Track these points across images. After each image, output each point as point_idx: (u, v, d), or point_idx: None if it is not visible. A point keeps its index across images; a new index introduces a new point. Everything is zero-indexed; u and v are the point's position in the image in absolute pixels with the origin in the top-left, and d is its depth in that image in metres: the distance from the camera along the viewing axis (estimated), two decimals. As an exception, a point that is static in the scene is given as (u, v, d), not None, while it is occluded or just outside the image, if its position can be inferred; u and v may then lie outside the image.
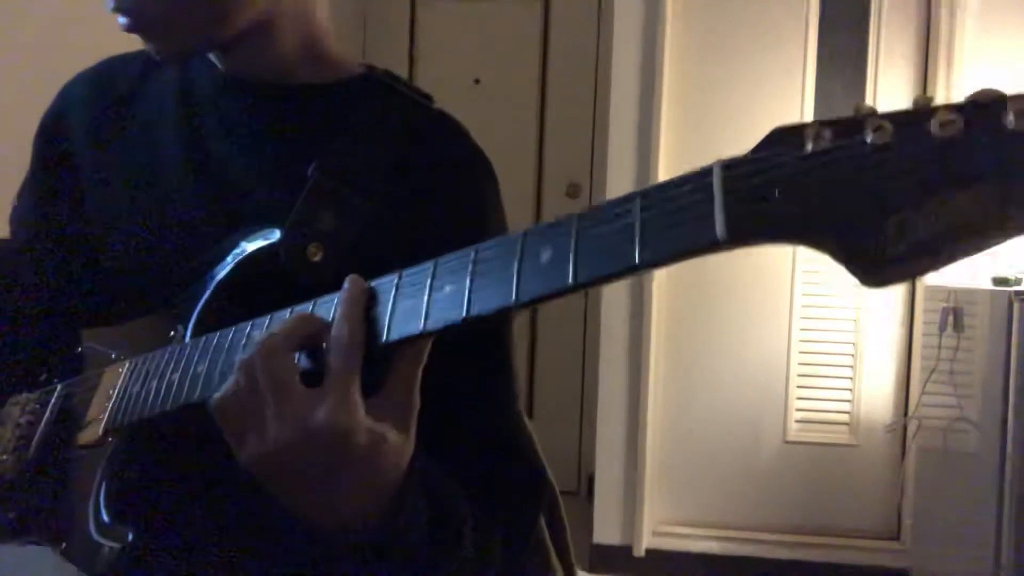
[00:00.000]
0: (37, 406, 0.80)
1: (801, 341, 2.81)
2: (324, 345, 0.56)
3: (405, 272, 0.56)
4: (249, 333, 0.62)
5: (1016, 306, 2.22)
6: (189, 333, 0.70)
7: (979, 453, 2.53)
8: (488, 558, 0.70)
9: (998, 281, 2.30)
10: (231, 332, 0.64)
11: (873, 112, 0.39)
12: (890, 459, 2.80)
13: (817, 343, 2.80)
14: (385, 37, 3.77)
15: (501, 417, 0.80)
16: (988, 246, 0.36)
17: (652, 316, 2.78)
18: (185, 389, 0.64)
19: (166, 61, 0.79)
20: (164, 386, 0.66)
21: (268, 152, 0.79)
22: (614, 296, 2.84)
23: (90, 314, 0.82)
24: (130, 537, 0.67)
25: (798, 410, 2.83)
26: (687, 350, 2.85)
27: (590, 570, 2.78)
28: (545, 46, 3.72)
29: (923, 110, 0.37)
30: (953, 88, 2.68)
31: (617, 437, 2.85)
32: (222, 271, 0.72)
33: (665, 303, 2.83)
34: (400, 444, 0.58)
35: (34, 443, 0.77)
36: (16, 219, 0.90)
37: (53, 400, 0.79)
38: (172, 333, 0.72)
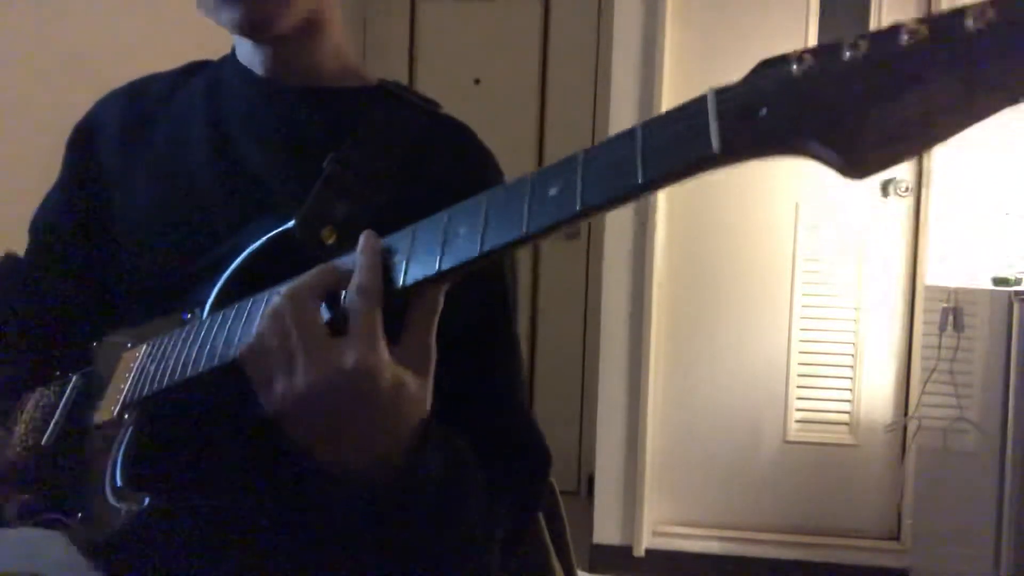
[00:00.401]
0: (53, 397, 0.82)
1: (801, 341, 2.81)
2: (344, 295, 0.59)
3: (419, 224, 0.59)
4: (268, 299, 0.64)
5: (1016, 306, 2.22)
6: (206, 315, 0.72)
7: (979, 453, 2.53)
8: (495, 520, 0.73)
9: (998, 281, 2.30)
10: (249, 302, 0.66)
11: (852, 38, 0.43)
12: (890, 459, 2.80)
13: (817, 343, 2.80)
14: (385, 37, 3.77)
15: (511, 398, 0.83)
16: (960, 129, 0.40)
17: (652, 316, 2.78)
18: (204, 358, 0.67)
19: (254, 28, 0.78)
20: (183, 360, 0.69)
21: (300, 157, 0.81)
22: (614, 296, 2.84)
23: (111, 317, 0.84)
24: (146, 501, 0.68)
25: (798, 410, 2.82)
26: (687, 350, 2.85)
27: (590, 570, 2.78)
28: (545, 46, 3.72)
29: (893, 26, 0.42)
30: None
31: (617, 437, 2.85)
32: (239, 258, 0.74)
33: (665, 303, 2.83)
34: (419, 391, 0.61)
35: (50, 429, 0.79)
36: (41, 224, 0.92)
37: (69, 389, 0.81)
38: (188, 316, 0.74)
